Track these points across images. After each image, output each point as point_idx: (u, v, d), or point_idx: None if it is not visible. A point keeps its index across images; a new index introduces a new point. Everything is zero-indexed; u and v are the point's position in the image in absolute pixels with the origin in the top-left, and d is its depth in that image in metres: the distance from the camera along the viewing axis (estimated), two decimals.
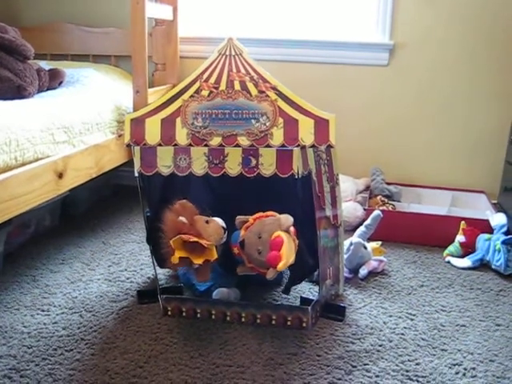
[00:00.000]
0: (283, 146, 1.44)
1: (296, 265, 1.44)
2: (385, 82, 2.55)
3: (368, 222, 1.96)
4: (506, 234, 2.01)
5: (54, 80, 2.13)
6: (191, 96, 1.50)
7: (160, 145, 1.49)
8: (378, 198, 2.38)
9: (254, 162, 1.44)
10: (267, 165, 1.43)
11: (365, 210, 2.29)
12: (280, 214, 1.50)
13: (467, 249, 2.05)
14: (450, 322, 1.62)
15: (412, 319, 1.63)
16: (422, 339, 1.52)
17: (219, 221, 1.54)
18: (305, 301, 1.65)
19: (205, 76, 1.50)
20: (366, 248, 1.92)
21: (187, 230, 1.46)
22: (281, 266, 1.37)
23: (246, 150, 1.45)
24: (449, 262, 2.03)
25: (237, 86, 1.48)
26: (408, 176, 2.61)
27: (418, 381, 1.35)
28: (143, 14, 2.06)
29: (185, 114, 1.49)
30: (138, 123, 1.51)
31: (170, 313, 1.60)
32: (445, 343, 1.51)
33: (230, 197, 1.66)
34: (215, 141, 1.47)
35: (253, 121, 1.46)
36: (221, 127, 1.47)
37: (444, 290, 1.81)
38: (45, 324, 1.55)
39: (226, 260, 1.55)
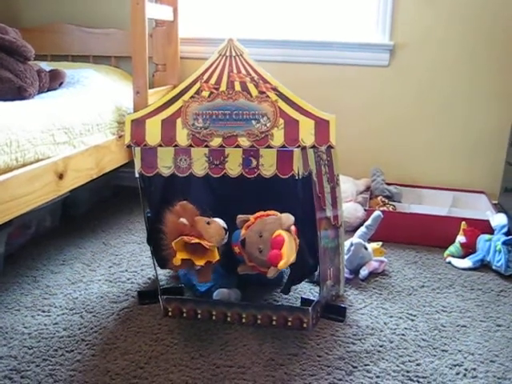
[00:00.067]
0: (284, 146, 1.44)
1: (296, 264, 1.44)
2: (385, 82, 2.55)
3: (368, 222, 1.96)
4: (506, 234, 2.01)
5: (54, 81, 2.13)
6: (192, 97, 1.50)
7: (160, 145, 1.49)
8: (379, 198, 2.38)
9: (254, 162, 1.44)
10: (268, 165, 1.44)
11: (365, 210, 2.29)
12: (281, 213, 1.50)
13: (468, 249, 2.05)
14: (450, 322, 1.62)
15: (413, 320, 1.63)
16: (423, 340, 1.52)
17: (220, 222, 1.54)
18: (305, 301, 1.65)
19: (205, 77, 1.50)
20: (366, 249, 1.92)
21: (188, 231, 1.46)
22: (282, 264, 1.37)
23: (246, 151, 1.45)
24: (449, 263, 2.03)
25: (237, 87, 1.48)
26: (408, 176, 2.61)
27: (418, 381, 1.35)
28: (143, 14, 2.06)
29: (185, 114, 1.49)
30: (138, 124, 1.51)
31: (170, 313, 1.60)
32: (445, 344, 1.51)
33: (231, 197, 1.66)
34: (216, 141, 1.47)
35: (253, 121, 1.46)
36: (221, 128, 1.47)
37: (445, 291, 1.81)
38: (45, 325, 1.55)
39: (227, 260, 1.55)
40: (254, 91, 1.47)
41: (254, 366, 1.39)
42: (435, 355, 1.45)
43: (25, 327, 1.54)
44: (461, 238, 2.07)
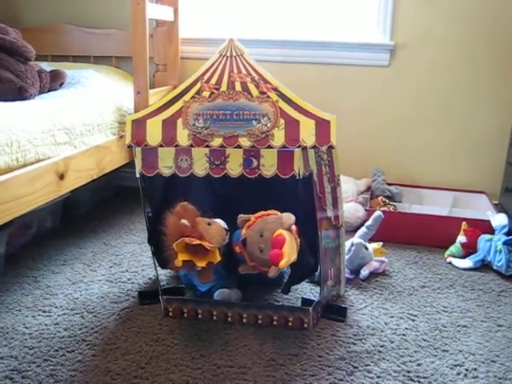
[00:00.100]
0: (284, 146, 1.44)
1: (297, 264, 1.44)
2: (385, 82, 2.55)
3: (369, 222, 1.96)
4: (507, 234, 2.01)
5: (55, 81, 2.13)
6: (192, 97, 1.50)
7: (161, 146, 1.49)
8: (379, 198, 2.38)
9: (255, 162, 1.44)
10: (268, 166, 1.44)
11: (366, 210, 2.29)
12: (281, 213, 1.50)
13: (468, 249, 2.05)
14: (451, 322, 1.62)
15: (413, 320, 1.63)
16: (424, 340, 1.52)
17: (221, 222, 1.54)
18: (306, 301, 1.65)
19: (206, 77, 1.51)
20: (367, 249, 1.92)
21: (189, 232, 1.46)
22: (283, 263, 1.36)
23: (247, 151, 1.45)
24: (450, 263, 2.03)
25: (238, 87, 1.48)
26: (409, 177, 2.61)
27: (419, 382, 1.34)
28: (144, 15, 2.06)
29: (186, 114, 1.49)
30: (139, 124, 1.51)
31: (171, 314, 1.60)
32: (446, 344, 1.51)
33: (231, 198, 1.66)
34: (216, 142, 1.47)
35: (254, 122, 1.46)
36: (222, 128, 1.47)
37: (445, 291, 1.81)
38: (46, 325, 1.55)
39: (228, 260, 1.55)
40: (254, 91, 1.47)
41: (254, 366, 1.39)
42: (436, 355, 1.45)
43: (25, 327, 1.54)
44: (461, 238, 2.07)
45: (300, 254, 1.45)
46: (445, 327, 1.59)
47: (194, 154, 1.47)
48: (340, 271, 1.72)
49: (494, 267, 1.96)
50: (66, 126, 1.82)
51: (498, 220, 2.08)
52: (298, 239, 1.47)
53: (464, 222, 2.10)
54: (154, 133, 1.50)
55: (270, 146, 1.44)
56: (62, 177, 1.75)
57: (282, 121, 1.45)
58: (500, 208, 2.35)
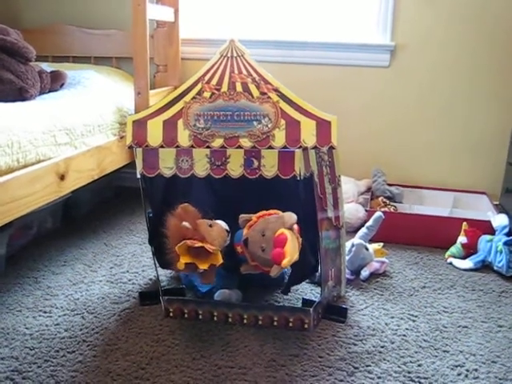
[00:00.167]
0: (285, 147, 1.44)
1: (298, 264, 1.44)
2: (386, 83, 2.55)
3: (370, 223, 1.96)
4: (507, 235, 2.01)
5: (55, 82, 2.13)
6: (193, 98, 1.50)
7: (162, 146, 1.49)
8: (380, 199, 2.38)
9: (256, 163, 1.44)
10: (269, 166, 1.44)
11: (366, 211, 2.29)
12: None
13: (469, 250, 2.05)
14: (451, 323, 1.62)
15: (414, 320, 1.63)
16: (424, 340, 1.52)
17: (222, 224, 1.54)
18: (307, 302, 1.65)
19: (206, 78, 1.50)
20: (367, 249, 1.92)
21: (191, 234, 1.46)
22: (285, 262, 1.36)
23: (247, 152, 1.45)
24: (451, 264, 2.03)
25: (238, 88, 1.48)
26: (409, 177, 2.61)
27: (419, 382, 1.34)
28: (144, 15, 2.06)
29: (187, 115, 1.49)
30: (139, 125, 1.51)
31: (171, 314, 1.60)
32: (447, 344, 1.51)
33: (232, 198, 1.66)
34: (217, 142, 1.47)
35: (255, 122, 1.46)
36: (223, 129, 1.47)
37: (446, 292, 1.81)
38: (47, 326, 1.55)
39: (228, 261, 1.54)
40: (255, 92, 1.47)
41: (255, 366, 1.39)
42: (436, 356, 1.45)
43: (26, 328, 1.54)
44: (462, 239, 2.07)
45: (301, 254, 1.45)
46: (445, 328, 1.59)
47: (195, 154, 1.47)
48: (340, 272, 1.72)
49: (495, 268, 1.96)
50: (66, 126, 1.82)
51: (499, 220, 2.08)
52: (299, 238, 1.47)
53: (465, 223, 2.10)
54: (154, 133, 1.50)
55: (270, 147, 1.44)
56: (62, 177, 1.75)
57: (282, 121, 1.45)
58: (501, 208, 2.35)
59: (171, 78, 2.61)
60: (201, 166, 1.47)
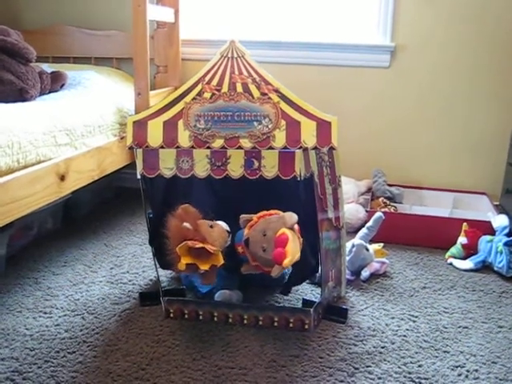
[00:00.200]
0: (285, 148, 1.44)
1: (298, 264, 1.44)
2: (386, 83, 2.55)
3: (370, 223, 1.96)
4: (508, 235, 2.01)
5: (55, 83, 2.13)
6: (193, 98, 1.50)
7: (162, 147, 1.49)
8: (380, 199, 2.38)
9: (256, 164, 1.44)
10: (269, 167, 1.44)
11: (367, 211, 2.29)
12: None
13: (469, 250, 2.05)
14: (452, 323, 1.62)
15: (414, 321, 1.63)
16: (425, 341, 1.52)
17: (223, 224, 1.54)
18: (307, 303, 1.65)
19: (207, 78, 1.51)
20: (368, 250, 1.92)
21: (192, 235, 1.46)
22: (286, 262, 1.36)
23: (248, 152, 1.45)
24: (451, 264, 2.03)
25: (239, 88, 1.48)
26: (410, 178, 2.61)
27: (420, 383, 1.34)
28: (145, 16, 2.07)
29: (187, 116, 1.49)
30: (140, 126, 1.51)
31: (172, 315, 1.60)
32: (447, 345, 1.51)
33: (233, 199, 1.66)
34: (217, 143, 1.47)
35: (255, 123, 1.46)
36: (223, 129, 1.47)
37: (446, 292, 1.81)
38: (47, 326, 1.55)
39: (229, 261, 1.55)
40: (255, 93, 1.47)
41: (255, 367, 1.39)
42: (437, 356, 1.45)
43: (26, 329, 1.54)
44: (462, 239, 2.07)
45: (302, 255, 1.45)
46: (446, 328, 1.59)
47: (195, 155, 1.47)
48: (341, 272, 1.72)
49: (495, 268, 1.96)
50: (66, 127, 1.82)
51: (499, 221, 2.08)
52: (300, 238, 1.47)
53: (465, 223, 2.10)
54: (155, 134, 1.50)
55: (271, 147, 1.44)
56: (62, 178, 1.76)
57: (283, 122, 1.45)
58: (501, 209, 2.35)
59: (171, 78, 2.61)
60: (201, 167, 1.47)
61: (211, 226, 1.52)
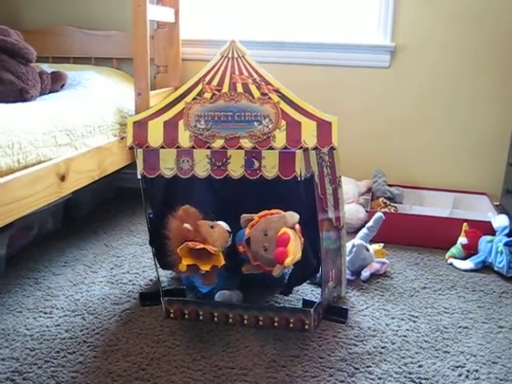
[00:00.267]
0: (286, 148, 1.44)
1: (299, 264, 1.43)
2: (386, 83, 2.55)
3: (370, 224, 1.96)
4: (508, 235, 2.01)
5: (56, 83, 2.13)
6: (194, 98, 1.50)
7: (163, 147, 1.49)
8: (380, 200, 2.38)
9: (256, 164, 1.44)
10: (270, 167, 1.44)
11: (367, 212, 2.29)
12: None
13: (469, 251, 2.05)
14: (452, 324, 1.62)
15: (414, 321, 1.63)
16: (425, 341, 1.52)
17: (224, 225, 1.54)
18: (307, 303, 1.65)
19: (207, 78, 1.51)
20: (368, 250, 1.92)
21: (192, 236, 1.45)
22: (288, 261, 1.36)
23: (248, 153, 1.45)
24: (451, 264, 2.03)
25: (239, 89, 1.48)
26: (410, 178, 2.61)
27: (420, 383, 1.34)
28: (145, 16, 2.06)
29: (187, 116, 1.49)
30: (140, 126, 1.51)
31: (172, 315, 1.60)
32: (447, 345, 1.51)
33: (233, 199, 1.66)
34: (218, 143, 1.47)
35: (255, 123, 1.46)
36: (223, 129, 1.47)
37: (446, 292, 1.81)
38: (47, 326, 1.55)
39: (229, 261, 1.55)
40: (256, 93, 1.47)
41: (255, 367, 1.39)
42: (437, 357, 1.45)
43: (27, 329, 1.54)
44: (462, 240, 2.07)
45: (303, 255, 1.45)
46: (446, 328, 1.59)
47: (196, 155, 1.47)
48: (341, 272, 1.72)
49: (495, 268, 1.96)
50: (67, 127, 1.82)
51: (499, 221, 2.09)
52: (301, 238, 1.47)
53: (465, 224, 2.10)
54: (155, 134, 1.50)
55: (271, 148, 1.44)
56: (63, 178, 1.75)
57: (283, 122, 1.45)
58: (501, 209, 2.35)
59: (172, 78, 2.61)
60: (201, 167, 1.47)
61: (212, 227, 1.51)
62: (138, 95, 2.16)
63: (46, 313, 1.63)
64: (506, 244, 1.93)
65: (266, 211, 1.54)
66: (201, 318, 1.58)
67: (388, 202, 2.36)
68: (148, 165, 1.50)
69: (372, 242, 2.00)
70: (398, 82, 2.54)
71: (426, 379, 1.36)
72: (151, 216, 1.74)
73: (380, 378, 1.36)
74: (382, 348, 1.48)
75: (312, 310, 1.53)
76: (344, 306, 1.67)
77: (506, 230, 2.03)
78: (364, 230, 1.96)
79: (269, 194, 1.56)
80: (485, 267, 1.99)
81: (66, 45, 2.72)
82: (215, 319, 1.57)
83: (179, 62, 2.62)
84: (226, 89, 1.49)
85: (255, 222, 1.52)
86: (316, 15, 2.60)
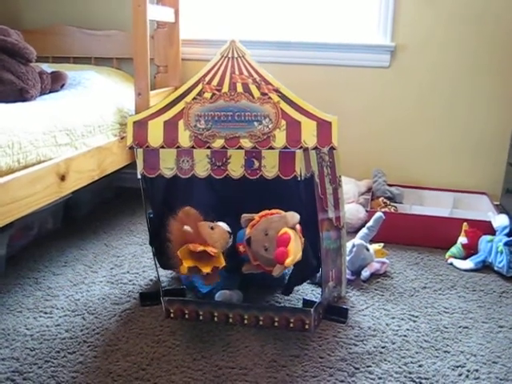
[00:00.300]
0: (286, 148, 1.44)
1: (299, 264, 1.44)
2: (386, 83, 2.55)
3: (370, 223, 1.96)
4: (508, 235, 2.01)
5: (56, 83, 2.13)
6: (194, 98, 1.50)
7: (163, 147, 1.49)
8: (380, 199, 2.38)
9: (256, 164, 1.44)
10: (270, 167, 1.44)
11: (367, 211, 2.29)
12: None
13: (469, 250, 2.05)
14: (452, 323, 1.62)
15: (415, 321, 1.63)
16: (425, 341, 1.52)
17: (224, 226, 1.54)
18: (307, 303, 1.65)
19: (207, 78, 1.50)
20: (368, 250, 1.92)
21: (193, 238, 1.46)
22: (289, 261, 1.36)
23: (248, 152, 1.45)
24: (451, 264, 2.03)
25: (239, 88, 1.48)
26: (410, 178, 2.61)
27: (420, 383, 1.34)
28: (145, 16, 2.06)
29: (187, 116, 1.49)
30: (140, 126, 1.51)
31: (172, 315, 1.60)
32: (447, 345, 1.51)
33: (233, 199, 1.66)
34: (218, 143, 1.47)
35: (255, 123, 1.46)
36: (223, 129, 1.47)
37: (446, 292, 1.81)
38: (47, 326, 1.55)
39: (229, 261, 1.55)
40: (256, 93, 1.47)
41: (256, 367, 1.39)
42: (437, 356, 1.45)
43: (27, 329, 1.54)
44: (462, 239, 2.07)
45: (303, 255, 1.45)
46: (446, 328, 1.59)
47: (196, 155, 1.47)
48: (341, 272, 1.72)
49: (495, 268, 1.96)
50: (67, 127, 1.82)
51: (499, 221, 2.09)
52: (302, 238, 1.47)
53: (465, 223, 2.10)
54: (155, 134, 1.50)
55: (271, 147, 1.44)
56: (63, 178, 1.75)
57: (283, 122, 1.45)
58: (501, 209, 2.35)
59: (172, 78, 2.61)
60: (201, 167, 1.47)
61: (212, 228, 1.51)
62: (138, 95, 2.16)
63: (46, 313, 1.63)
64: (506, 244, 1.93)
65: (267, 211, 1.54)
66: (201, 317, 1.58)
67: (388, 202, 2.36)
68: (148, 165, 1.50)
69: (372, 241, 2.00)
70: (397, 81, 2.54)
71: (426, 379, 1.36)
72: (151, 216, 1.74)
73: (380, 378, 1.36)
74: (382, 348, 1.48)
75: (312, 309, 1.53)
76: (344, 306, 1.67)
77: (506, 230, 2.03)
78: (364, 230, 1.96)
79: (269, 194, 1.56)
80: (485, 267, 1.99)
81: (66, 45, 2.72)
82: (215, 319, 1.57)
83: (179, 61, 2.62)
84: (225, 89, 1.49)
85: (256, 221, 1.52)
86: (315, 15, 2.60)
